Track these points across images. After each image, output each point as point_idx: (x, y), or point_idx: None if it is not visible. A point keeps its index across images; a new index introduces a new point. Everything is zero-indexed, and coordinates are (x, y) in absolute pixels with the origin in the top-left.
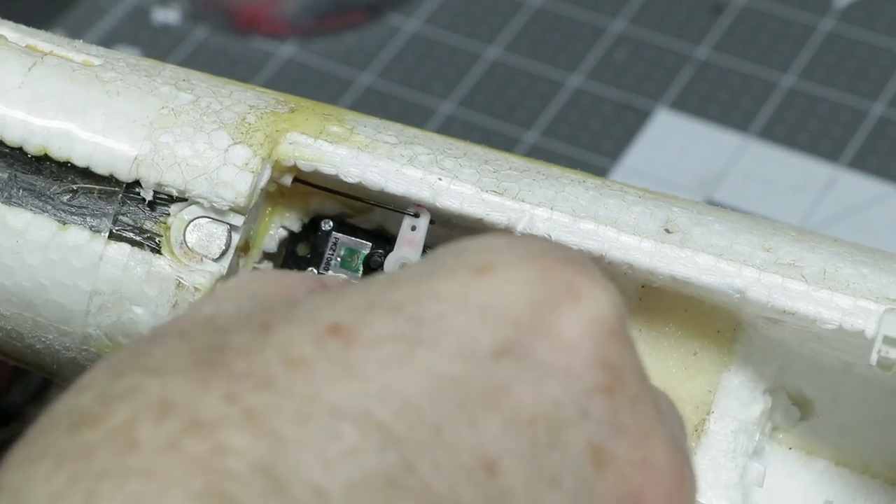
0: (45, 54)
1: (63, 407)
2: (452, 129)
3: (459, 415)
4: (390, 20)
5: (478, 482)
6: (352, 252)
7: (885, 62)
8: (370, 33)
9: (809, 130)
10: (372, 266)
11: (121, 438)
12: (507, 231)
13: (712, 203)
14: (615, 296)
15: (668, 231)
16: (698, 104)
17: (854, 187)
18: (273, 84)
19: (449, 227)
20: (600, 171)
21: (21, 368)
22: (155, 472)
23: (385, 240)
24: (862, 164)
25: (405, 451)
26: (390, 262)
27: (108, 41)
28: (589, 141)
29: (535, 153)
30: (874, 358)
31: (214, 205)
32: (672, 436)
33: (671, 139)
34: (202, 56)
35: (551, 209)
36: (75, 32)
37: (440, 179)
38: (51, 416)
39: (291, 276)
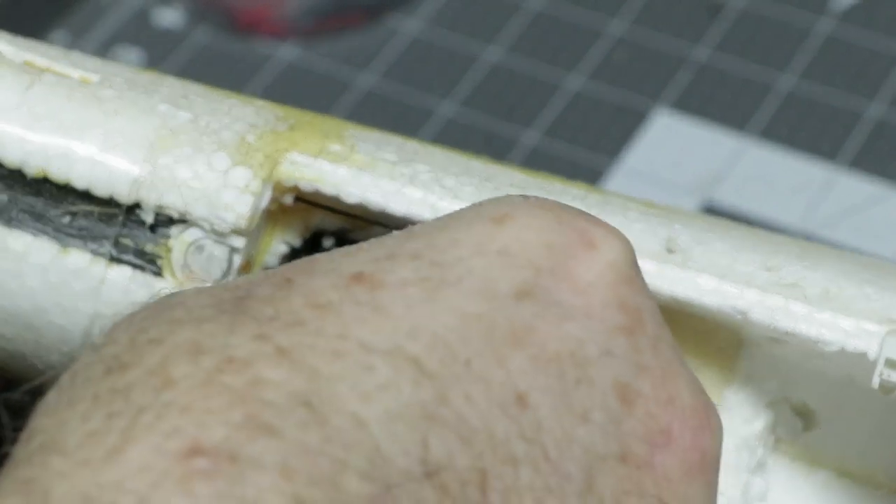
0: (43, 71)
1: (89, 359)
2: (452, 130)
3: (487, 351)
4: (391, 21)
5: (511, 415)
6: None
7: (885, 63)
8: (370, 34)
9: (809, 131)
10: None
11: (157, 378)
12: None
13: (712, 205)
14: (628, 244)
15: (669, 251)
16: (698, 105)
17: (854, 188)
18: (274, 85)
19: None
20: (600, 172)
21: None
22: (193, 405)
23: None
24: (861, 164)
25: (438, 385)
26: None
27: (108, 42)
28: (589, 142)
29: (535, 154)
30: (876, 381)
31: (215, 227)
32: (694, 379)
33: (671, 140)
34: (203, 57)
35: None
36: (76, 33)
37: (441, 200)
38: (78, 368)
39: None
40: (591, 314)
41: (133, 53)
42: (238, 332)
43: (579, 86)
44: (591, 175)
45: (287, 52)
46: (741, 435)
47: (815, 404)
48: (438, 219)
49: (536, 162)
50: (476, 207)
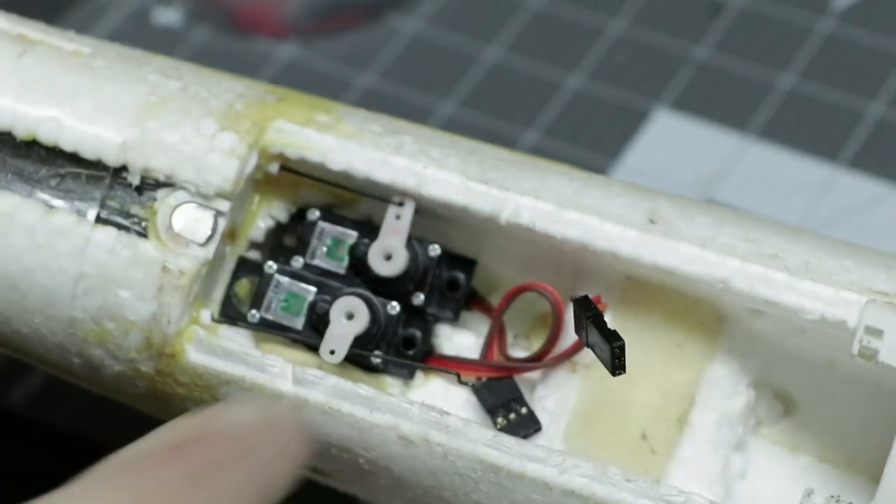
0: (36, 43)
1: None
2: (453, 129)
3: None
4: (391, 21)
5: None
6: (337, 241)
7: (885, 63)
8: (371, 34)
9: (809, 130)
10: (357, 255)
11: None
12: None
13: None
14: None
15: (652, 221)
16: (698, 104)
17: (854, 187)
18: (274, 84)
19: (434, 218)
20: (600, 171)
21: (21, 367)
22: None
23: (372, 229)
24: (861, 164)
25: None
26: (374, 250)
27: (108, 41)
28: (589, 141)
29: (535, 153)
30: (856, 348)
31: (201, 190)
32: None
33: (671, 139)
34: (202, 56)
35: (536, 198)
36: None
37: (426, 168)
38: None
39: None
40: None
41: None
42: None
43: (579, 85)
44: (578, 167)
45: (287, 51)
46: (722, 410)
47: (795, 390)
48: None
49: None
50: None
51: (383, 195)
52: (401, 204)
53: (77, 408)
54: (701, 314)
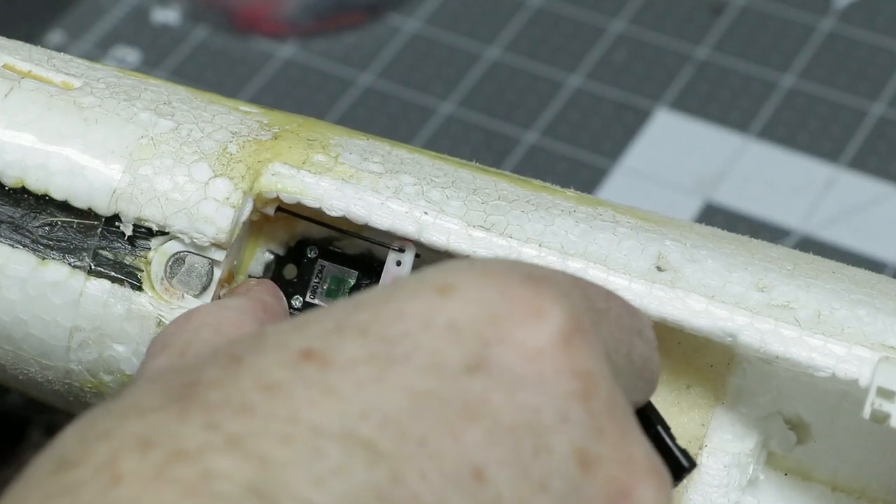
0: (23, 76)
1: (43, 457)
2: (452, 129)
3: (441, 427)
4: (390, 20)
5: (467, 490)
6: (338, 281)
7: (885, 62)
8: (370, 33)
9: (809, 130)
10: None
11: (105, 474)
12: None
13: (712, 204)
14: (574, 307)
15: (659, 269)
16: (698, 104)
17: (854, 187)
18: (273, 85)
19: (436, 258)
20: (600, 172)
21: None
22: (143, 501)
23: (371, 267)
24: (862, 164)
25: (392, 465)
26: None
27: (107, 41)
28: (589, 141)
29: (534, 153)
30: (867, 411)
31: (195, 241)
32: (643, 436)
33: (671, 139)
34: (202, 56)
35: (539, 246)
36: (75, 32)
37: (426, 214)
38: (32, 467)
39: (234, 309)
40: (543, 382)
41: (131, 53)
42: (187, 422)
43: (580, 84)
44: (591, 174)
45: (286, 51)
46: (731, 453)
47: (809, 416)
48: (385, 287)
49: (536, 160)
50: (420, 277)
51: (382, 240)
52: (401, 250)
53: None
54: (711, 355)
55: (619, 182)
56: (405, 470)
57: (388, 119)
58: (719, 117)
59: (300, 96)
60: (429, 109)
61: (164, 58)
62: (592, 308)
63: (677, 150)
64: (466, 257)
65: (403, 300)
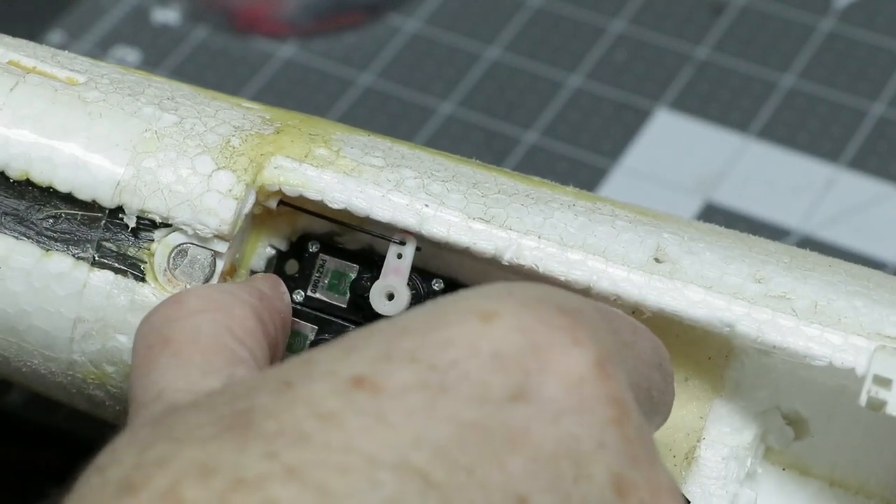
0: (28, 71)
1: (96, 481)
2: (452, 129)
3: (487, 457)
4: (390, 20)
5: None
6: (339, 275)
7: (885, 62)
8: (370, 33)
9: (809, 130)
10: (359, 291)
11: (168, 500)
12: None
13: (712, 204)
14: (604, 338)
15: (657, 260)
16: (698, 104)
17: (854, 187)
18: (273, 85)
19: (437, 247)
20: (600, 171)
21: None
22: None
23: (373, 261)
24: (862, 164)
25: (443, 495)
26: (376, 290)
27: (107, 41)
28: (589, 141)
29: (534, 153)
30: (864, 399)
31: (198, 232)
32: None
33: (671, 139)
34: (202, 56)
35: (539, 237)
36: (75, 32)
37: (426, 206)
38: (85, 491)
39: (226, 292)
40: (582, 409)
41: (131, 53)
42: (246, 451)
43: (580, 84)
44: (591, 173)
45: (286, 51)
46: (730, 445)
47: (806, 412)
48: (427, 310)
49: (536, 160)
50: (462, 301)
51: (384, 232)
52: (402, 243)
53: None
54: (709, 348)
55: (619, 182)
56: (455, 499)
57: (388, 119)
58: (719, 117)
59: (300, 96)
60: (429, 109)
61: (164, 58)
62: (619, 340)
63: (677, 150)
64: (465, 249)
65: (450, 326)
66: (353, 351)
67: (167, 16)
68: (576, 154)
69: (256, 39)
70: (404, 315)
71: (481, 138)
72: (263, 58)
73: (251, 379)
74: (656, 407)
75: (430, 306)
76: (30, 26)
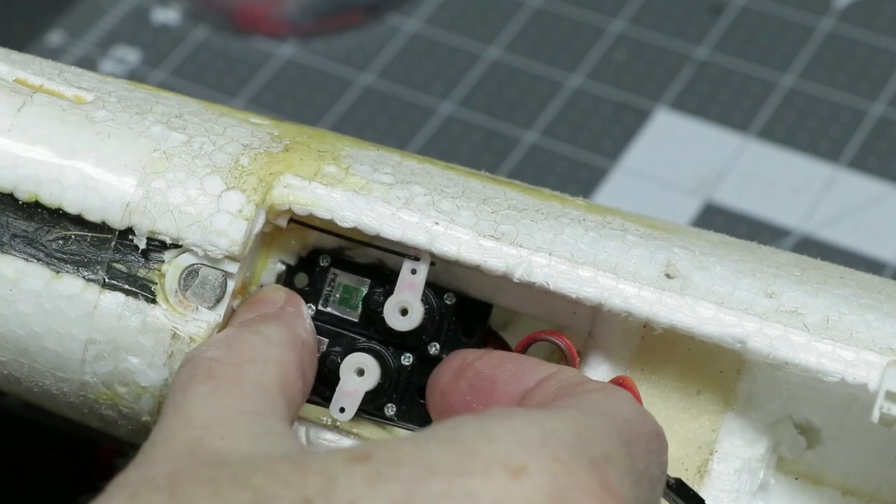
0: (35, 90)
1: None
2: (452, 129)
3: None
4: (390, 20)
5: None
6: (350, 289)
7: (885, 62)
8: (370, 33)
9: (809, 130)
10: (371, 306)
11: None
12: (534, 420)
13: (712, 204)
14: (634, 488)
15: (668, 276)
16: (698, 104)
17: (854, 187)
18: (273, 84)
19: (449, 263)
20: (600, 171)
21: None
22: None
23: (384, 276)
24: (862, 164)
25: None
26: (390, 305)
27: (107, 41)
28: (589, 141)
29: (534, 153)
30: (876, 415)
31: (209, 253)
32: None
33: (671, 139)
34: (202, 56)
35: (549, 254)
36: (75, 32)
37: (437, 223)
38: None
39: (277, 345)
40: None
41: (131, 53)
42: None
43: (580, 84)
44: (591, 174)
45: (286, 51)
46: (742, 458)
47: (818, 421)
48: (458, 442)
49: (536, 160)
50: (495, 445)
51: (396, 249)
52: (416, 258)
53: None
54: (720, 362)
55: (619, 182)
56: None
57: (388, 119)
58: (719, 117)
59: (300, 96)
60: (429, 109)
61: (164, 58)
62: (635, 469)
63: (677, 150)
64: (476, 267)
65: (477, 476)
66: (378, 482)
67: (167, 16)
68: (576, 154)
69: (256, 39)
70: (433, 441)
71: (481, 138)
72: (263, 58)
73: (273, 478)
74: None
75: (459, 436)
76: (30, 26)
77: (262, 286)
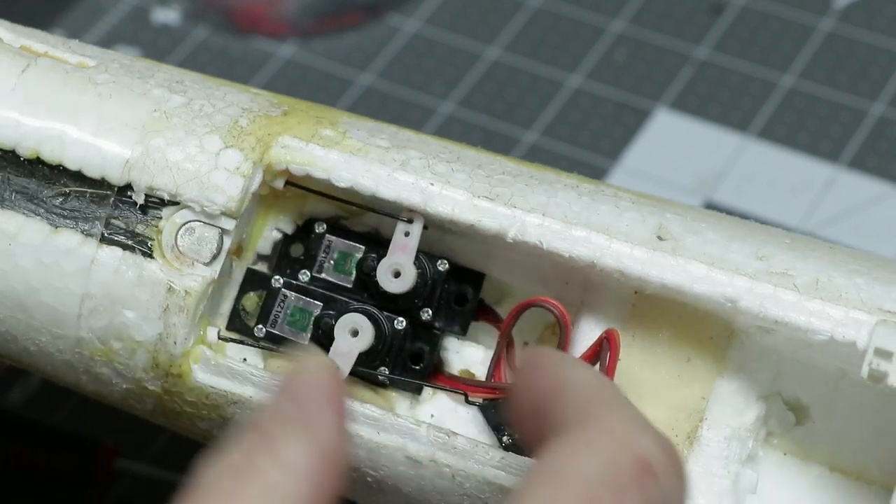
0: (40, 55)
1: None
2: (452, 129)
3: None
4: (390, 20)
5: None
6: (345, 255)
7: (885, 62)
8: (370, 33)
9: (809, 130)
10: (365, 270)
11: None
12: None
13: (712, 204)
14: None
15: (660, 238)
16: (698, 104)
17: (854, 187)
18: (273, 84)
19: (442, 231)
20: (600, 171)
21: (21, 368)
22: None
23: (379, 243)
24: (862, 164)
25: None
26: (383, 267)
27: (107, 41)
28: (589, 141)
29: (534, 153)
30: (865, 370)
31: (206, 209)
32: None
33: (671, 139)
34: (202, 56)
35: (543, 215)
36: (75, 32)
37: (432, 184)
38: None
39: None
40: None
41: (131, 53)
42: None
43: (580, 84)
44: (591, 174)
45: (286, 51)
46: (733, 425)
47: (807, 398)
48: None
49: (536, 160)
50: None
51: (390, 211)
52: (409, 221)
53: (77, 408)
54: (711, 328)
55: (619, 182)
56: None
57: (388, 119)
58: (719, 117)
59: (300, 96)
60: (429, 109)
61: (164, 58)
62: None
63: (677, 149)
64: (471, 226)
65: None
66: None
67: (167, 16)
68: (576, 154)
69: (256, 39)
70: None
71: (481, 138)
72: (263, 58)
73: None
74: None
75: None
76: (30, 26)
77: (258, 255)
